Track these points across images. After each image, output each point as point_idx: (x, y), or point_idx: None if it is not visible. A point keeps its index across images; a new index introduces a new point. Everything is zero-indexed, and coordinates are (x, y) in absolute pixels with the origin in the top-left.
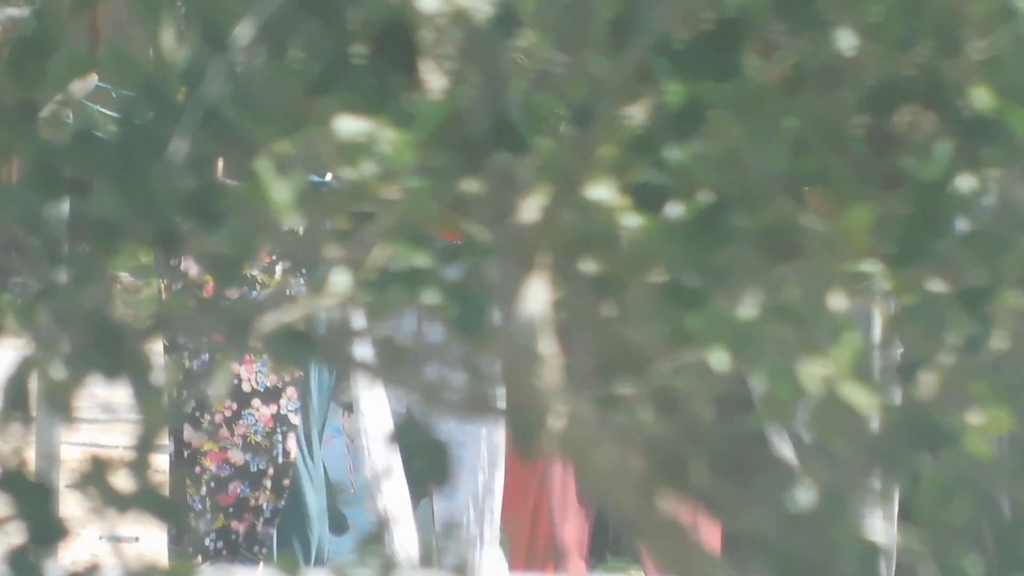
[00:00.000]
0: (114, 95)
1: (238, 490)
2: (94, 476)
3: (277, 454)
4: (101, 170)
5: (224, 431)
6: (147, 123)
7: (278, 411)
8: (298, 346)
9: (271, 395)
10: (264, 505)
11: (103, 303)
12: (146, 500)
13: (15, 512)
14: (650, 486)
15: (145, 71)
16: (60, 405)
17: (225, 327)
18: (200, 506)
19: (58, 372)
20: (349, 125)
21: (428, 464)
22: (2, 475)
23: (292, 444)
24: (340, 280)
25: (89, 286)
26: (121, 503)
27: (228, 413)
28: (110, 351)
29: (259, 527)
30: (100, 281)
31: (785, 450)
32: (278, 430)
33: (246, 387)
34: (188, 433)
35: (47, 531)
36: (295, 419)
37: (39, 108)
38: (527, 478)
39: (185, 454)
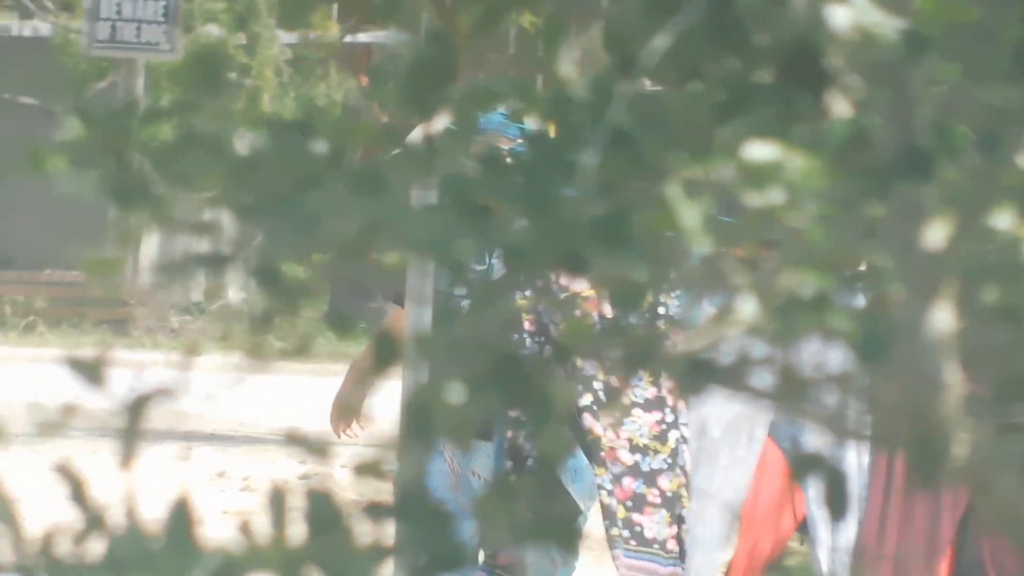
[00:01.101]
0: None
1: (633, 486)
2: (498, 501)
3: (683, 463)
4: (509, 195)
5: (611, 434)
6: (554, 148)
7: (662, 418)
8: (702, 374)
9: (652, 405)
10: (682, 512)
11: (505, 330)
12: (547, 528)
13: (414, 538)
14: None
15: (545, 97)
16: (458, 433)
17: (627, 354)
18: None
19: (457, 399)
20: (758, 150)
21: (829, 494)
22: (402, 501)
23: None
24: (747, 308)
25: (492, 312)
26: (524, 530)
27: (611, 419)
28: (511, 380)
29: (678, 530)
30: (503, 307)
31: None
32: (670, 437)
33: (624, 400)
34: (588, 422)
35: (449, 557)
36: (687, 431)
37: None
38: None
39: (588, 440)
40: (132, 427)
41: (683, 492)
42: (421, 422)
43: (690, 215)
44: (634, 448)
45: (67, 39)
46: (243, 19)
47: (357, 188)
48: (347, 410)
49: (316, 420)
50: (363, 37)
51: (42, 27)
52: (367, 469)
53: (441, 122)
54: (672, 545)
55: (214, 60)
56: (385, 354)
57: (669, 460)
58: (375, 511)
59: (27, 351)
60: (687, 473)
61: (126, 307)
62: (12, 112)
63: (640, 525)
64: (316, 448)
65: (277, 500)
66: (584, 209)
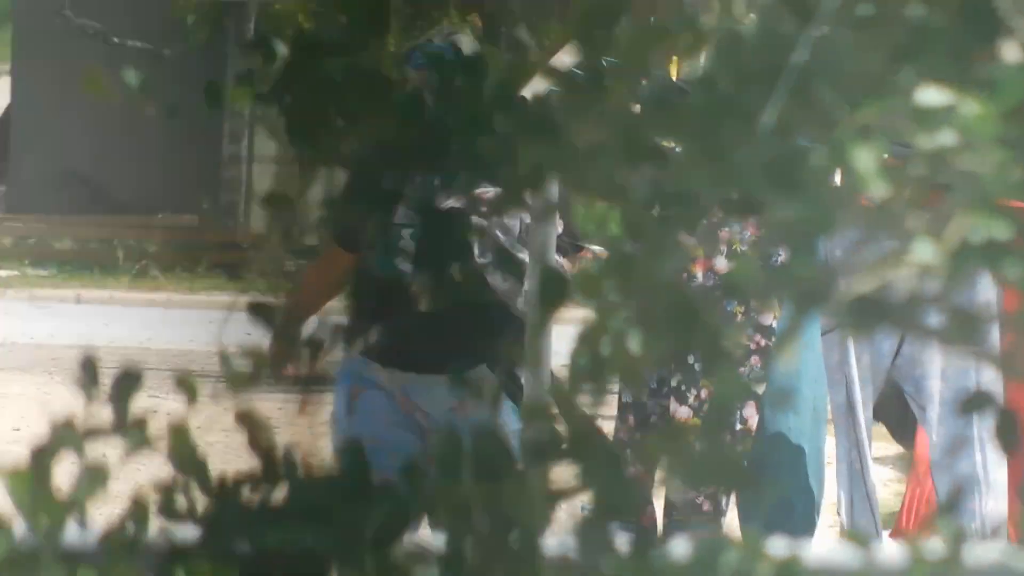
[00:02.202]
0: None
1: None
2: (668, 442)
3: (734, 421)
4: (684, 138)
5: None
6: (729, 91)
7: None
8: (873, 314)
9: None
10: None
11: (678, 272)
12: (722, 468)
13: (589, 480)
14: None
15: (720, 38)
16: (631, 376)
17: (797, 295)
18: None
19: (632, 343)
20: (931, 95)
21: (1001, 431)
22: (572, 441)
23: (751, 412)
24: (922, 250)
25: (665, 255)
26: (696, 471)
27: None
28: (683, 321)
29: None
30: (676, 250)
31: None
32: None
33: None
34: (673, 407)
35: (620, 499)
36: (756, 387)
37: (603, 76)
38: None
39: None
40: (309, 372)
41: None
42: (593, 364)
43: (863, 158)
44: None
45: None
46: None
47: (526, 129)
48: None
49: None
50: None
51: None
52: (535, 412)
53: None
54: (707, 506)
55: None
56: (552, 292)
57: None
58: (546, 453)
59: (140, 295)
60: (738, 432)
61: (240, 250)
62: (125, 56)
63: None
64: (477, 390)
65: (447, 442)
66: (758, 151)
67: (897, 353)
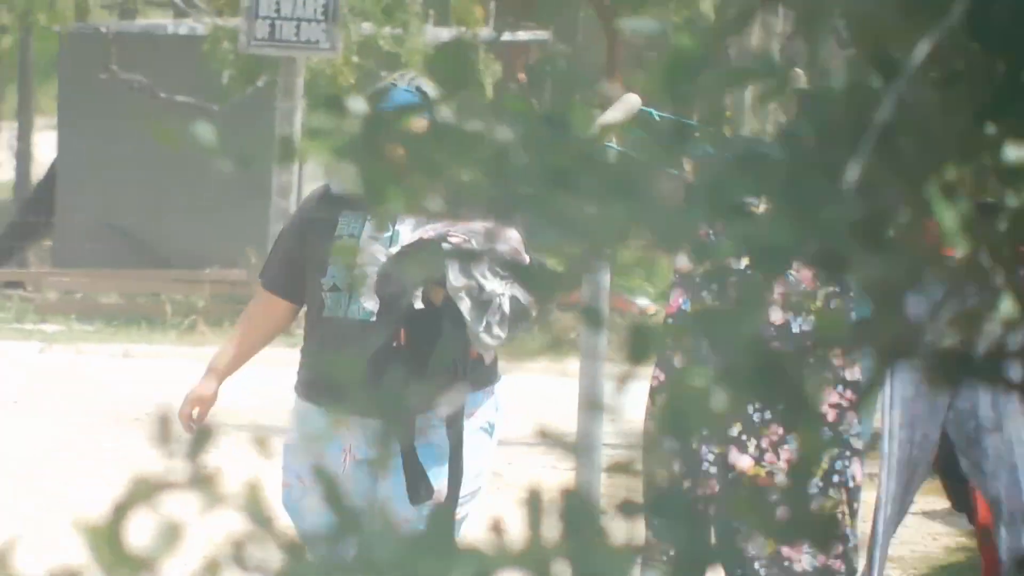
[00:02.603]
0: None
1: None
2: (753, 501)
3: (846, 480)
4: (769, 194)
5: (771, 455)
6: (815, 146)
7: (836, 437)
8: (959, 366)
9: None
10: (848, 532)
11: (760, 326)
12: (804, 526)
13: (664, 534)
14: None
15: (805, 94)
16: (714, 428)
17: (881, 349)
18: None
19: (716, 398)
20: (1017, 152)
21: None
22: (656, 498)
23: (858, 469)
24: (1007, 305)
25: (751, 310)
26: (778, 528)
27: (774, 438)
28: (769, 376)
29: (843, 549)
30: (761, 305)
31: None
32: (842, 454)
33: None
34: (733, 456)
35: (703, 553)
36: (857, 443)
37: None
38: None
39: (729, 477)
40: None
41: (842, 511)
42: (679, 420)
43: (950, 216)
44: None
45: (217, 38)
46: (391, 10)
47: (611, 184)
48: (201, 401)
49: (563, 420)
50: (521, 35)
51: (197, 26)
52: (619, 468)
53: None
54: (839, 565)
55: (463, 53)
56: (640, 345)
57: (820, 483)
58: (629, 509)
59: (188, 350)
60: (850, 491)
61: None
62: (171, 111)
63: (789, 559)
64: (569, 447)
65: (534, 500)
66: (843, 209)
67: (949, 407)
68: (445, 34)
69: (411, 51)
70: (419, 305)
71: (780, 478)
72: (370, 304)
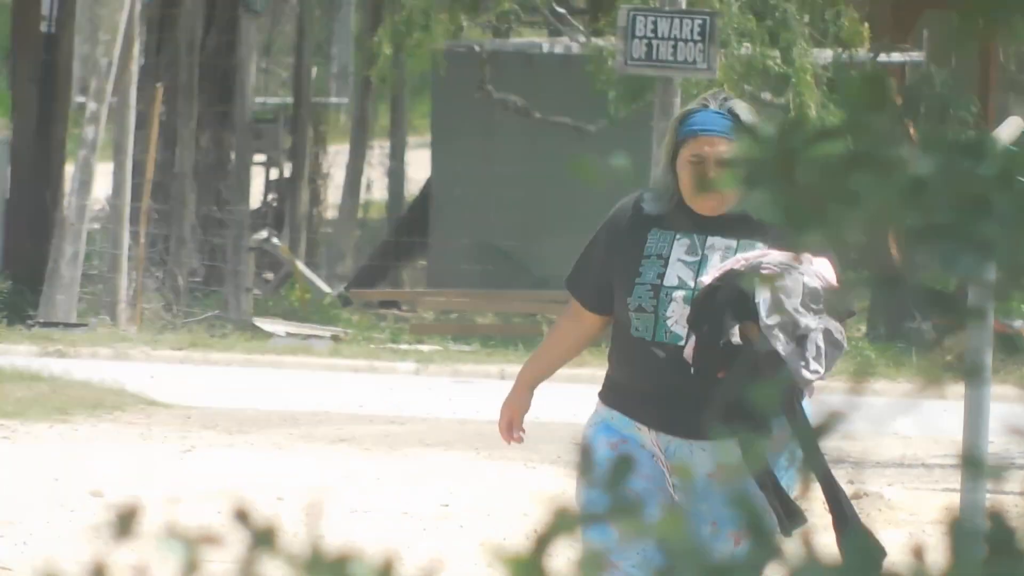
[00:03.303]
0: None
1: None
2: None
3: None
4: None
5: None
6: None
7: None
8: None
9: None
10: None
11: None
12: None
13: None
14: None
15: None
16: None
17: None
18: None
19: None
20: None
21: None
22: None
23: None
24: None
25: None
26: None
27: None
28: None
29: None
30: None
31: None
32: None
33: None
34: None
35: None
36: None
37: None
38: None
39: None
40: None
41: None
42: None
43: None
44: None
45: (601, 57)
46: (775, 33)
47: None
48: (516, 410)
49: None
50: (896, 56)
51: (572, 44)
52: None
53: None
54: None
55: (880, 78)
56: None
57: None
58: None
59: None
60: None
61: None
62: (547, 131)
63: None
64: (992, 472)
65: (955, 524)
66: None
67: None
68: (825, 55)
69: (799, 72)
70: (736, 340)
71: None
72: (678, 328)
